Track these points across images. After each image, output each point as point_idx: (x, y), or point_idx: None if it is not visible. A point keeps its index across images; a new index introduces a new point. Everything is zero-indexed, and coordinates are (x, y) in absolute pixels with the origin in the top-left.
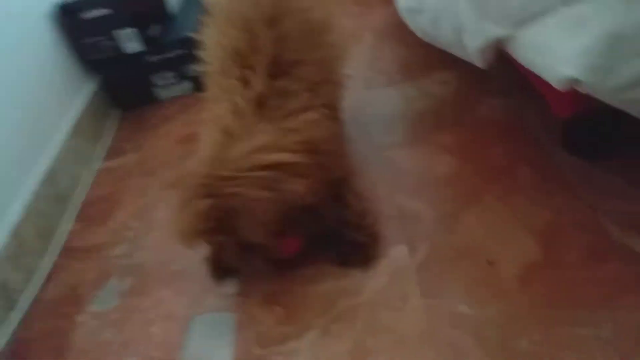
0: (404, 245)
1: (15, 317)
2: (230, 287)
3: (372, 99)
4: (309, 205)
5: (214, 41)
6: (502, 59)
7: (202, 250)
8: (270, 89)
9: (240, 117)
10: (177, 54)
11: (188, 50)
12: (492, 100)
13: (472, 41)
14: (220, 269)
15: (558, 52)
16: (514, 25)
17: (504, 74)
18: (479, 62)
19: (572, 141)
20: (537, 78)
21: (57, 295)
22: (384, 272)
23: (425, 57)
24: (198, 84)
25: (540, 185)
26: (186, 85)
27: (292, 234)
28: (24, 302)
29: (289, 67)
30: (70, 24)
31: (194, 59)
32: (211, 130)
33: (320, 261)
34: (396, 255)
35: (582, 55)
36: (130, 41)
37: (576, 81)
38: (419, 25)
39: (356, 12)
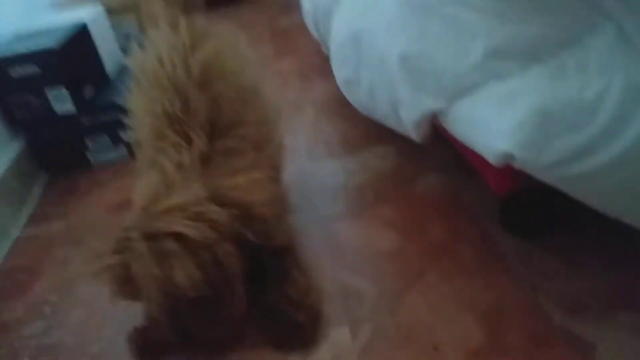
0: (346, 327)
1: None
2: None
3: (315, 170)
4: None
5: (142, 108)
6: (438, 134)
7: (126, 329)
8: (214, 148)
9: (183, 170)
10: (112, 117)
11: (124, 114)
12: (431, 176)
13: (408, 114)
14: (147, 351)
15: (491, 127)
16: (448, 99)
17: (442, 149)
18: (415, 136)
19: (509, 219)
20: (473, 154)
21: None
22: (324, 357)
23: (365, 130)
24: (133, 150)
25: (481, 265)
26: (121, 151)
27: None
28: None
29: (228, 128)
30: None
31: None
32: (150, 176)
33: (256, 344)
34: (338, 338)
35: (514, 131)
36: (61, 102)
37: (510, 156)
38: (357, 97)
39: (298, 85)
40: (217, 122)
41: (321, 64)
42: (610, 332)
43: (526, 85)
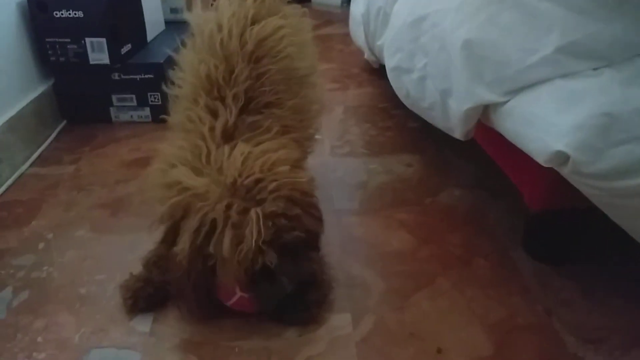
0: (347, 314)
1: None
2: (142, 324)
3: (336, 166)
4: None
5: (189, 65)
6: (468, 152)
7: (118, 278)
8: (241, 122)
9: (203, 153)
10: (143, 78)
11: (155, 76)
12: (454, 190)
13: (458, 104)
14: (140, 298)
15: (548, 125)
16: (506, 92)
17: (471, 167)
18: (459, 130)
19: (532, 241)
20: (511, 163)
21: None
22: (322, 339)
23: (392, 139)
24: (157, 113)
25: (496, 281)
26: (145, 112)
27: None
28: None
29: (262, 106)
30: (40, 18)
31: (159, 86)
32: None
33: (252, 313)
34: (338, 324)
35: (573, 130)
36: (97, 51)
37: (563, 157)
38: (404, 85)
39: (332, 88)
40: (255, 98)
41: (357, 73)
42: None
43: (595, 86)
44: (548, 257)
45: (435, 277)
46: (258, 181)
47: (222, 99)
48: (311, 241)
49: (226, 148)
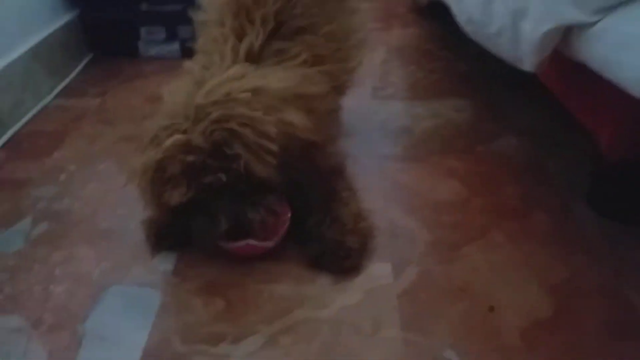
0: (388, 264)
1: None
2: (165, 263)
3: (378, 108)
4: (310, 148)
5: None
6: (525, 97)
7: (141, 214)
8: (267, 46)
9: (225, 58)
10: (173, 9)
11: (185, 8)
12: (509, 137)
13: (536, 27)
14: (164, 235)
15: None
16: (597, 11)
17: (529, 112)
18: (531, 59)
19: (600, 196)
20: (588, 104)
21: None
22: (358, 289)
23: (439, 82)
24: (187, 48)
25: (557, 238)
26: (175, 47)
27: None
28: None
29: (293, 32)
30: None
31: (190, 19)
32: (182, 82)
33: (284, 256)
34: (377, 274)
35: None
36: None
37: None
38: (466, 8)
39: (375, 27)
40: (285, 22)
41: (403, 13)
42: None
43: None
44: (617, 213)
45: (488, 229)
46: (214, 104)
47: (251, 22)
48: (260, 185)
49: (232, 68)
